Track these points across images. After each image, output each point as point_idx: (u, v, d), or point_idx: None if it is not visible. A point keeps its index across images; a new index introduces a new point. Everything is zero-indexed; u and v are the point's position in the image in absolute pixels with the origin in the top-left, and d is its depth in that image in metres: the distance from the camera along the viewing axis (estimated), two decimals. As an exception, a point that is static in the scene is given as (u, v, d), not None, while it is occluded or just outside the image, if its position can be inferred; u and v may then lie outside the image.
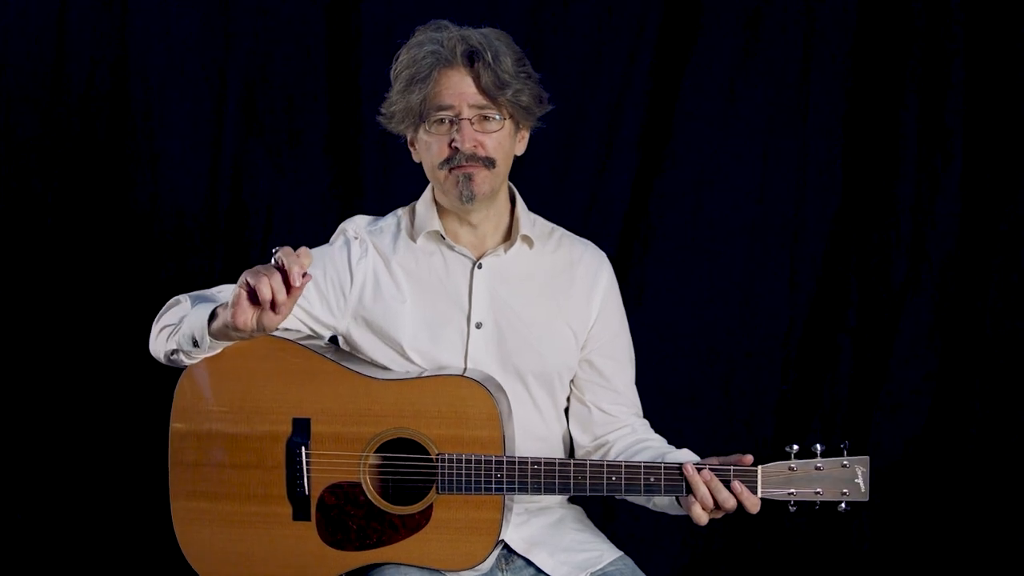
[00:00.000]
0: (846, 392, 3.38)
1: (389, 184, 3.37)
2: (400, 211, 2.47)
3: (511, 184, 2.45)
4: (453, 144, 2.30)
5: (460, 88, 2.29)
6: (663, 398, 3.27)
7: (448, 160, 2.31)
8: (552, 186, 3.34)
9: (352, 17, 3.39)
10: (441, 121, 2.31)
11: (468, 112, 2.29)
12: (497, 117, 2.31)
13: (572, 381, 2.46)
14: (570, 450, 2.49)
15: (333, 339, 2.45)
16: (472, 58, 2.27)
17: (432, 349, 2.34)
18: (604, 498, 2.48)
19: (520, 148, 2.41)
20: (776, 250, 3.40)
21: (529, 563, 2.36)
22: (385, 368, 2.36)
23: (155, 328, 2.33)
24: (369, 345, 2.37)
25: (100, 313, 3.36)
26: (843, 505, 2.21)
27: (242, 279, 2.10)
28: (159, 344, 2.31)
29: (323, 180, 3.42)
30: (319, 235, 2.49)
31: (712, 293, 3.41)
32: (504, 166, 2.35)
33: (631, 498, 2.40)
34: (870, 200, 3.37)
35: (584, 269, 2.46)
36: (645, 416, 2.51)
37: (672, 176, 3.40)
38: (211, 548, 2.29)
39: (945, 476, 3.33)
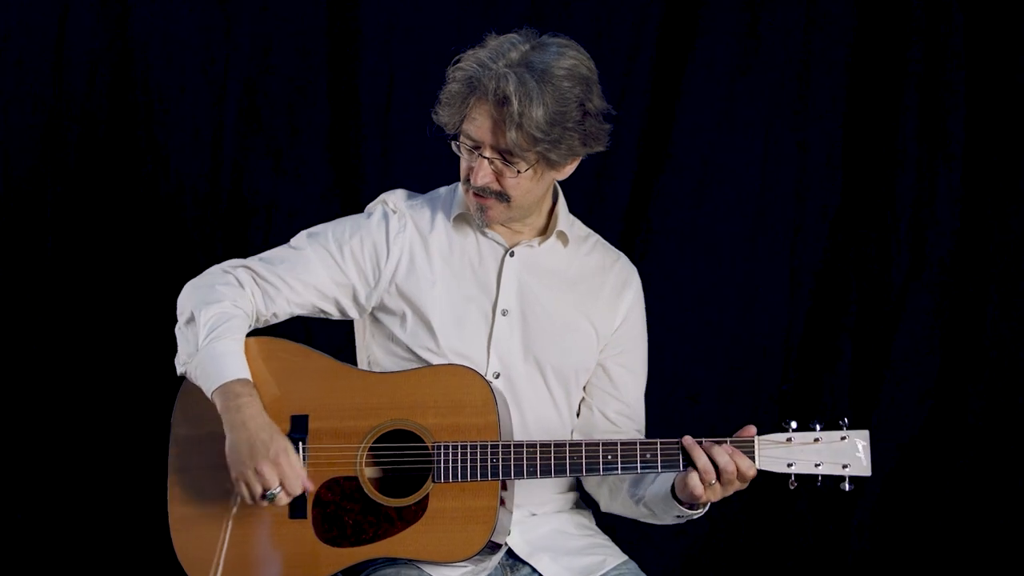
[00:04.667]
0: (846, 392, 3.38)
1: (390, 184, 3.33)
2: (442, 189, 2.45)
3: (556, 183, 2.40)
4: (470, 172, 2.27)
5: (486, 126, 2.22)
6: (663, 398, 3.27)
7: (467, 181, 2.29)
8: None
9: (352, 17, 3.39)
10: (468, 146, 2.27)
11: (489, 152, 2.24)
12: (521, 168, 2.24)
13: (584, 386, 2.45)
14: None
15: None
16: (503, 103, 2.18)
17: (456, 331, 2.32)
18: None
19: (564, 174, 2.32)
20: (776, 250, 3.40)
21: (534, 569, 2.34)
22: (405, 349, 2.34)
23: (184, 300, 2.33)
24: (399, 320, 2.34)
25: (100, 313, 3.35)
26: (847, 484, 2.13)
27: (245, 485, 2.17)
28: (181, 319, 2.31)
29: (323, 180, 3.41)
30: (319, 235, 2.48)
31: (712, 293, 3.41)
32: (525, 199, 2.29)
33: (626, 509, 2.39)
34: (870, 200, 3.37)
35: (615, 276, 2.45)
36: (646, 415, 2.50)
37: (672, 176, 3.40)
38: (207, 552, 2.26)
39: (945, 476, 3.33)
